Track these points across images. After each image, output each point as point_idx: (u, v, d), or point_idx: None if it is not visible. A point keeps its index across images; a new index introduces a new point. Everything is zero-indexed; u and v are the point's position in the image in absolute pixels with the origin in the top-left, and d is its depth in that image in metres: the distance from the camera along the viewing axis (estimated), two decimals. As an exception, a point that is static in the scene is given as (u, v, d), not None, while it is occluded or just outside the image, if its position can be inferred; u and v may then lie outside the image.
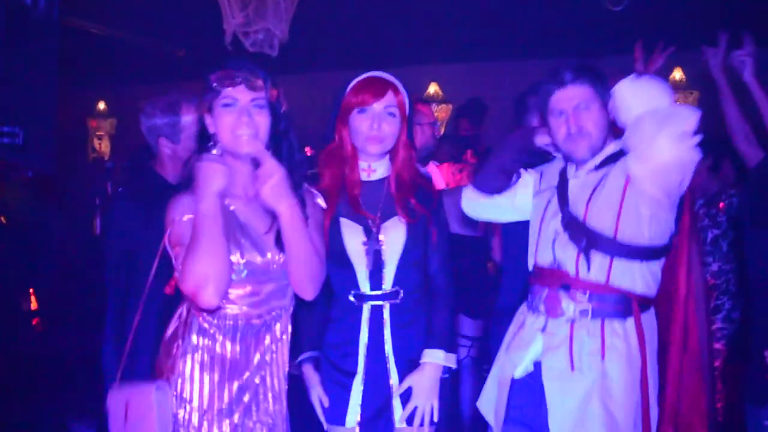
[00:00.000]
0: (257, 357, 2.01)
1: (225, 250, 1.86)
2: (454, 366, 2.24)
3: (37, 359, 4.41)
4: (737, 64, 2.79)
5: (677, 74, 6.75)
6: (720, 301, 3.80)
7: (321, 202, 2.10)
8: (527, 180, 2.46)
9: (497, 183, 2.43)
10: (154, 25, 6.15)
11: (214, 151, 1.96)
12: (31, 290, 4.99)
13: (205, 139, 1.99)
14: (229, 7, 4.10)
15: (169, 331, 2.06)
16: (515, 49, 6.76)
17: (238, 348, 1.98)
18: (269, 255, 1.97)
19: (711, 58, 2.90)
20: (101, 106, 9.27)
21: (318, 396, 2.23)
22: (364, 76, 2.21)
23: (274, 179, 1.84)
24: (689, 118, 2.05)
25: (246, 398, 1.99)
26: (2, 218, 4.84)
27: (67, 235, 5.56)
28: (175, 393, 1.96)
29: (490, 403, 2.38)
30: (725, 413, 3.78)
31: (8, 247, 4.67)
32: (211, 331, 1.98)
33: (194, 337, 1.98)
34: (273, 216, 1.96)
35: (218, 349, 1.97)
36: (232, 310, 1.98)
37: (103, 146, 9.26)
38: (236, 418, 1.98)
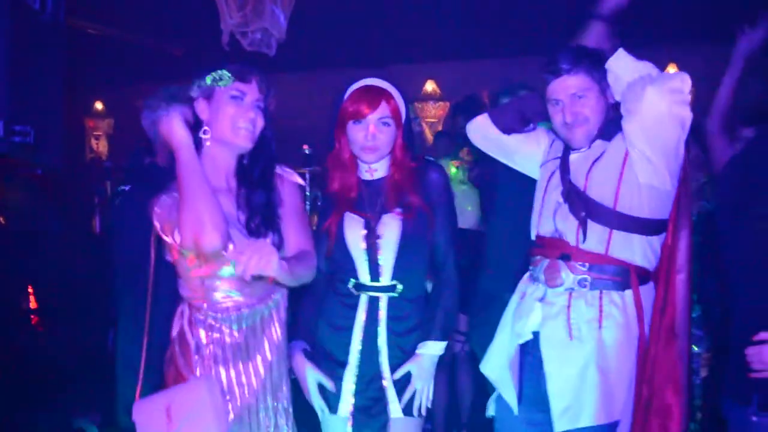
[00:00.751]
0: (265, 341, 2.08)
1: (212, 192, 1.92)
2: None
3: (36, 357, 4.42)
4: None
5: (671, 70, 6.79)
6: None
7: (297, 179, 2.18)
8: (541, 136, 2.48)
9: (512, 123, 2.47)
10: (152, 25, 6.17)
11: (207, 139, 2.01)
12: (30, 289, 4.99)
13: (195, 126, 2.03)
14: (227, 6, 4.13)
15: (175, 330, 2.10)
16: (512, 46, 6.79)
17: (245, 333, 2.04)
18: None
19: (745, 41, 2.83)
20: (98, 106, 9.29)
21: (317, 381, 2.23)
22: (359, 84, 2.25)
23: (273, 257, 1.79)
24: (679, 78, 2.09)
25: (262, 383, 2.06)
26: (1, 218, 4.84)
27: (66, 234, 5.57)
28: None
29: (495, 368, 2.40)
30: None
31: (7, 246, 4.67)
32: (217, 325, 2.03)
33: (202, 334, 2.03)
34: (252, 206, 2.03)
35: (227, 339, 2.03)
36: (230, 301, 2.03)
37: (101, 146, 9.29)
38: (256, 401, 2.04)
